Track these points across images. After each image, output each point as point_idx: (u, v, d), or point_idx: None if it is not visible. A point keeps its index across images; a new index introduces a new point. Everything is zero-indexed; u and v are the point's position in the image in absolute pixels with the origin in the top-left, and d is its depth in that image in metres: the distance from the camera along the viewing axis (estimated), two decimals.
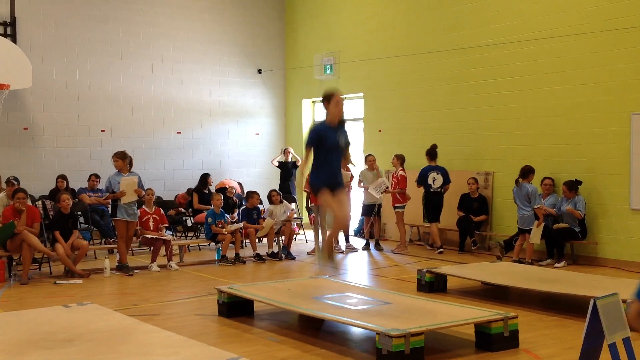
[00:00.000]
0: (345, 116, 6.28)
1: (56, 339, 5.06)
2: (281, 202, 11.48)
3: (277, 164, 14.26)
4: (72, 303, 6.55)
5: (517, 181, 10.21)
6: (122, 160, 9.66)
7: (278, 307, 6.46)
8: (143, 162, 13.68)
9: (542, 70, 10.94)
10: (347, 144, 6.29)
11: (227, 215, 11.31)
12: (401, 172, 11.80)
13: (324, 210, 11.34)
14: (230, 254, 10.59)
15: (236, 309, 6.80)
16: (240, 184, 14.27)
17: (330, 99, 6.08)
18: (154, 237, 10.05)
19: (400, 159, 11.89)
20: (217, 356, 4.57)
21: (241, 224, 10.94)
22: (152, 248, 10.15)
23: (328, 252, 6.47)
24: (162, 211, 10.64)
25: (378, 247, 12.07)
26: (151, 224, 10.23)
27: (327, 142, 6.08)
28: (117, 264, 9.75)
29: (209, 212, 11.02)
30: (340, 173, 6.37)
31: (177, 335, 5.30)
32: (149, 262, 9.96)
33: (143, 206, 10.23)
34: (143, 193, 9.74)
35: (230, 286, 7.05)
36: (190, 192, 13.12)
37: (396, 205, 11.79)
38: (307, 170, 6.30)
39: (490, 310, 5.97)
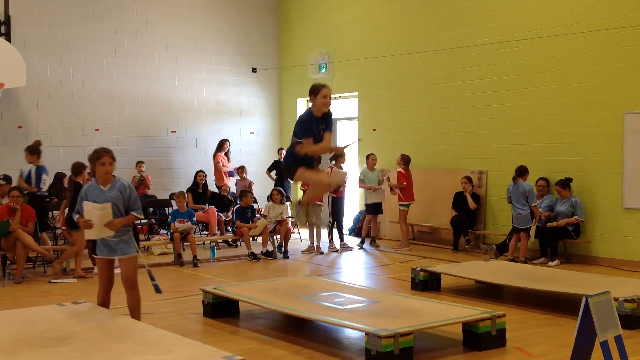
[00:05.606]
0: (331, 109, 6.29)
1: (51, 337, 5.05)
2: (282, 202, 11.45)
3: (274, 176, 13.85)
4: (67, 302, 6.53)
5: (514, 179, 10.21)
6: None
7: (263, 307, 6.45)
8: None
9: (535, 70, 10.97)
10: (328, 132, 6.28)
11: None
12: (399, 170, 11.95)
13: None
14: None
15: (221, 309, 6.82)
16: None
17: (317, 92, 6.10)
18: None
19: (404, 159, 12.00)
20: (212, 354, 4.58)
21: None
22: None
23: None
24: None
25: (374, 244, 12.13)
26: None
27: (312, 132, 6.14)
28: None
29: (172, 211, 10.65)
30: (313, 160, 6.40)
31: (172, 333, 5.29)
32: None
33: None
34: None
35: (216, 287, 7.06)
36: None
37: (400, 202, 11.89)
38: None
39: (478, 309, 5.98)
